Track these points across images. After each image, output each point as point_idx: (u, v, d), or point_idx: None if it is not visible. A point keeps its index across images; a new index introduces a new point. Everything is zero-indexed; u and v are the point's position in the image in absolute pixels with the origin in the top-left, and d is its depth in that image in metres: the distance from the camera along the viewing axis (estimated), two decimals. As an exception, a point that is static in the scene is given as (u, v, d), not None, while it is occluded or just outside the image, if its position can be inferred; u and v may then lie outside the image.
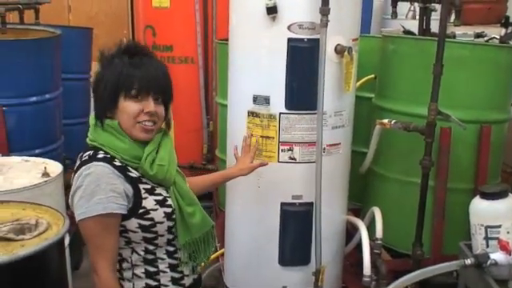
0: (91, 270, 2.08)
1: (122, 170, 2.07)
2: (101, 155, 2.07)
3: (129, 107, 2.08)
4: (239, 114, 3.17)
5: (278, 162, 3.07)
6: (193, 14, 5.15)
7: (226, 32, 3.36)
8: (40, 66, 4.38)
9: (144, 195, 2.10)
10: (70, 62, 4.98)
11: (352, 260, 3.72)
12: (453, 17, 3.68)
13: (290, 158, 3.06)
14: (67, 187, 3.84)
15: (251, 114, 3.09)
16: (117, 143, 2.08)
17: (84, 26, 6.19)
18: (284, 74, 2.97)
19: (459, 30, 4.17)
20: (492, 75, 3.48)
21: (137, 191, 2.08)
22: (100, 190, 1.99)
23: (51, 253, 2.12)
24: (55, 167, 3.39)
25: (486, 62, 3.47)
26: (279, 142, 3.05)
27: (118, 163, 2.07)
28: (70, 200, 2.08)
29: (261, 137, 3.07)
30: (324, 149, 3.04)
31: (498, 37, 3.97)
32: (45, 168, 3.30)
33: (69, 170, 4.64)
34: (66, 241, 2.99)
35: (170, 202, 2.15)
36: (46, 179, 3.19)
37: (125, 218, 2.06)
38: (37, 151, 4.19)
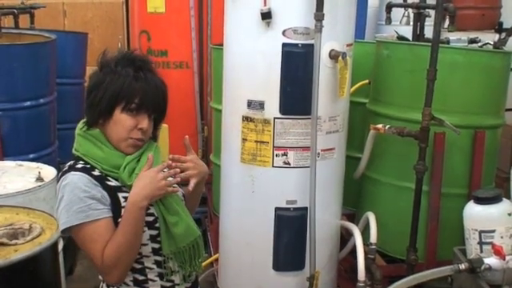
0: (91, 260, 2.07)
1: (101, 179, 2.06)
2: (80, 165, 2.07)
3: (125, 121, 2.07)
4: (234, 119, 3.17)
5: (273, 166, 3.07)
6: (188, 20, 5.16)
7: (220, 37, 3.37)
8: (35, 71, 4.38)
9: (123, 204, 2.06)
10: (65, 66, 4.99)
11: (346, 265, 3.72)
12: (447, 22, 3.69)
13: (285, 162, 3.07)
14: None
15: (246, 118, 3.09)
16: (96, 152, 2.08)
17: (79, 30, 6.20)
18: (278, 79, 2.98)
19: (453, 36, 4.19)
20: (486, 80, 3.49)
21: (115, 200, 2.06)
22: (77, 199, 1.99)
23: (45, 257, 2.11)
24: (49, 172, 3.39)
25: (480, 67, 3.48)
26: (274, 146, 3.05)
27: (96, 173, 2.06)
28: (55, 212, 2.06)
29: (255, 142, 3.07)
30: (318, 154, 3.04)
31: (492, 42, 3.98)
32: (39, 173, 3.30)
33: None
34: (60, 245, 2.99)
35: (151, 210, 2.10)
36: (39, 184, 3.19)
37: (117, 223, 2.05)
38: (31, 156, 4.19)
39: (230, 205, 3.34)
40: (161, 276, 2.15)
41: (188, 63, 5.23)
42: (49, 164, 3.58)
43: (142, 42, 5.28)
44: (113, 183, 2.07)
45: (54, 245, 2.20)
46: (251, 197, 3.16)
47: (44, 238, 2.18)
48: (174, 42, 5.22)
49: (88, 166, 2.07)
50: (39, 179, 3.24)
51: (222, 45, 3.34)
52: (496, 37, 4.04)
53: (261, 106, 3.04)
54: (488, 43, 4.05)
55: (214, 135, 4.48)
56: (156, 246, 2.13)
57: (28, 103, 4.33)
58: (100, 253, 1.99)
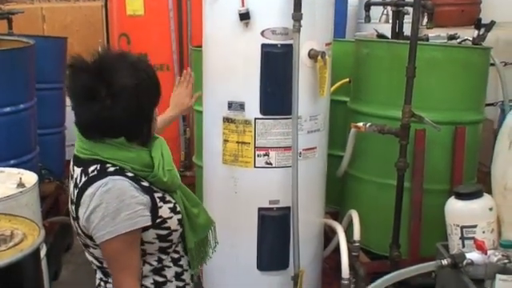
0: (114, 286, 1.97)
1: (136, 180, 1.95)
2: (111, 168, 1.93)
3: (157, 112, 2.07)
4: (215, 120, 3.18)
5: (255, 167, 3.08)
6: (167, 22, 5.14)
7: (201, 39, 3.37)
8: (14, 77, 4.33)
9: (159, 204, 1.99)
10: (45, 71, 4.93)
11: (331, 263, 3.74)
12: (426, 20, 3.71)
13: (267, 163, 3.08)
14: (43, 197, 3.83)
15: (227, 120, 3.10)
16: (124, 154, 1.95)
17: (58, 35, 6.15)
18: (258, 79, 2.99)
19: (432, 33, 4.20)
20: (465, 77, 3.52)
21: (153, 201, 1.97)
22: (125, 205, 1.87)
23: (27, 264, 2.11)
24: (31, 177, 3.36)
25: (459, 63, 3.51)
26: (255, 147, 3.06)
27: (129, 174, 1.95)
28: (84, 222, 1.90)
29: (237, 142, 3.08)
30: (300, 153, 3.05)
31: (471, 38, 4.00)
32: (20, 179, 3.27)
33: (45, 180, 4.64)
34: (43, 251, 2.97)
35: (178, 208, 2.06)
36: (21, 190, 3.16)
37: (143, 230, 1.95)
38: (12, 162, 4.14)
39: (213, 206, 3.33)
40: (176, 275, 2.11)
41: (168, 65, 5.21)
42: (30, 170, 3.55)
43: (122, 45, 5.26)
44: (145, 183, 1.98)
45: (37, 251, 2.19)
46: (234, 198, 3.16)
47: (26, 245, 2.18)
48: (153, 44, 5.20)
49: (118, 167, 1.94)
50: (20, 185, 3.21)
51: (202, 46, 3.34)
52: (475, 33, 4.05)
53: (241, 106, 3.04)
54: (467, 39, 4.07)
55: (196, 137, 4.47)
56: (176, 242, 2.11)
57: (8, 109, 4.28)
58: (131, 271, 1.93)
